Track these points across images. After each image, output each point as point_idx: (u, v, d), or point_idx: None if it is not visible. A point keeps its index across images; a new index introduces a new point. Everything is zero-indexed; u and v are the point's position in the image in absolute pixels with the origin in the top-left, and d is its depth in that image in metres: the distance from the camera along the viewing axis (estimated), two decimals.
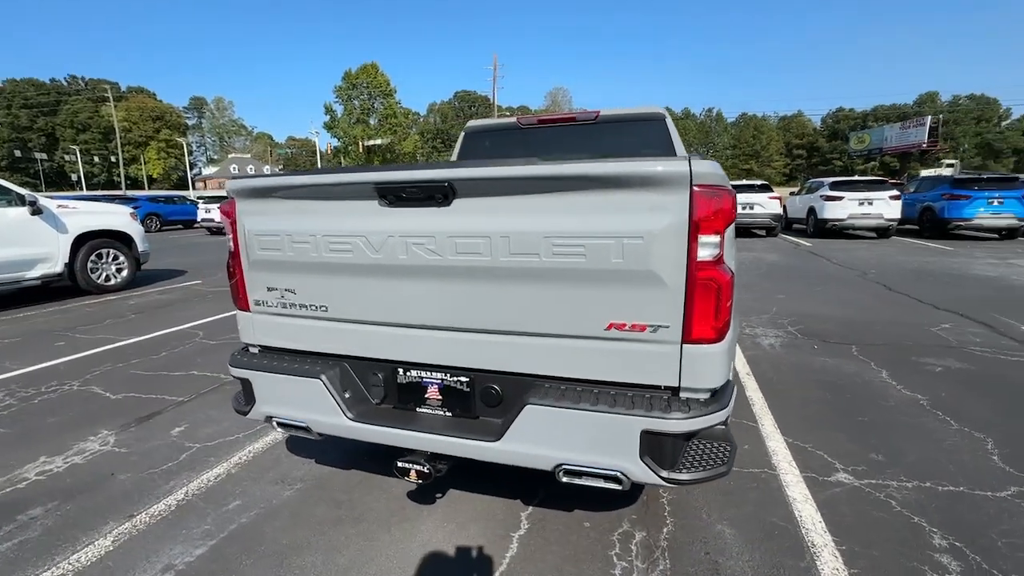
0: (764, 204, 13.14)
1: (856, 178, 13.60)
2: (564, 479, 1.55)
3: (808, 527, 2.01)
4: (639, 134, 3.33)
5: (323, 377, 1.79)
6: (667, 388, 1.49)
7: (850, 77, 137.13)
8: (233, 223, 1.91)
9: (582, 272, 1.45)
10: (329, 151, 48.99)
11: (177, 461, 2.58)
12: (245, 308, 1.98)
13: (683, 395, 1.48)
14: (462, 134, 3.76)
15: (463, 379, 1.71)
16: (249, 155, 77.97)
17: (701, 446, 1.51)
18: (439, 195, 1.54)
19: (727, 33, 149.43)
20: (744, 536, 1.97)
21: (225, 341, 4.62)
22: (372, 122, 55.22)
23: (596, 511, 2.12)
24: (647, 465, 1.44)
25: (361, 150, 47.89)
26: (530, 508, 2.14)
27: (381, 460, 2.38)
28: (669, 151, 3.20)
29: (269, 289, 1.91)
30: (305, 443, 2.73)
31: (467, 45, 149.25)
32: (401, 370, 1.80)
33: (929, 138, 36.51)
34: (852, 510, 2.12)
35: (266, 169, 74.19)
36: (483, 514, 2.11)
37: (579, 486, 1.54)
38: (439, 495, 2.25)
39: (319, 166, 44.64)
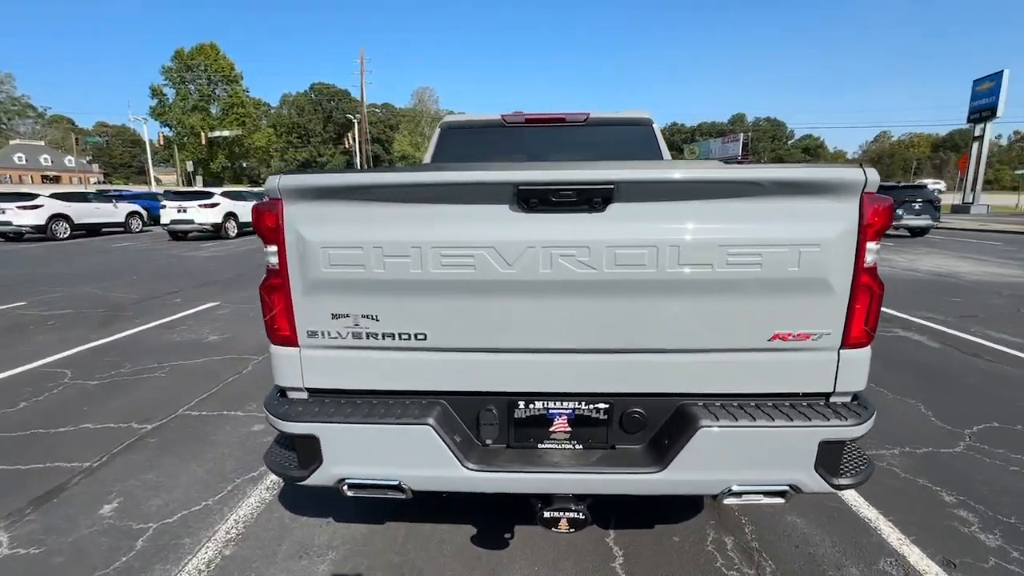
0: None
1: None
2: (727, 500, 1.46)
3: (854, 503, 2.21)
4: (627, 137, 3.37)
5: (431, 421, 1.45)
6: (822, 395, 1.49)
7: (679, 95, 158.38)
8: (280, 232, 1.45)
9: (754, 282, 1.38)
10: (160, 141, 41.82)
11: (133, 552, 1.90)
12: (291, 343, 1.52)
13: (833, 400, 1.50)
14: (437, 130, 3.43)
15: (601, 406, 1.52)
16: (42, 142, 62.94)
17: (850, 450, 1.55)
18: (597, 199, 1.34)
19: (579, 45, 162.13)
20: (813, 522, 2.09)
21: (115, 380, 3.60)
22: (214, 111, 48.54)
23: (674, 523, 2.07)
24: (820, 475, 1.43)
25: (203, 142, 41.74)
26: (612, 533, 2.01)
27: (416, 504, 2.04)
28: (656, 155, 3.29)
29: (335, 316, 1.49)
30: (309, 499, 2.21)
31: (324, 37, 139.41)
32: (522, 403, 1.53)
33: (743, 152, 43.93)
34: (875, 482, 2.39)
35: (69, 161, 60.70)
36: (568, 549, 1.92)
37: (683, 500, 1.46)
38: (507, 534, 2.00)
39: (149, 158, 37.85)
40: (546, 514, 1.48)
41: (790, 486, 1.44)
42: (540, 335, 1.45)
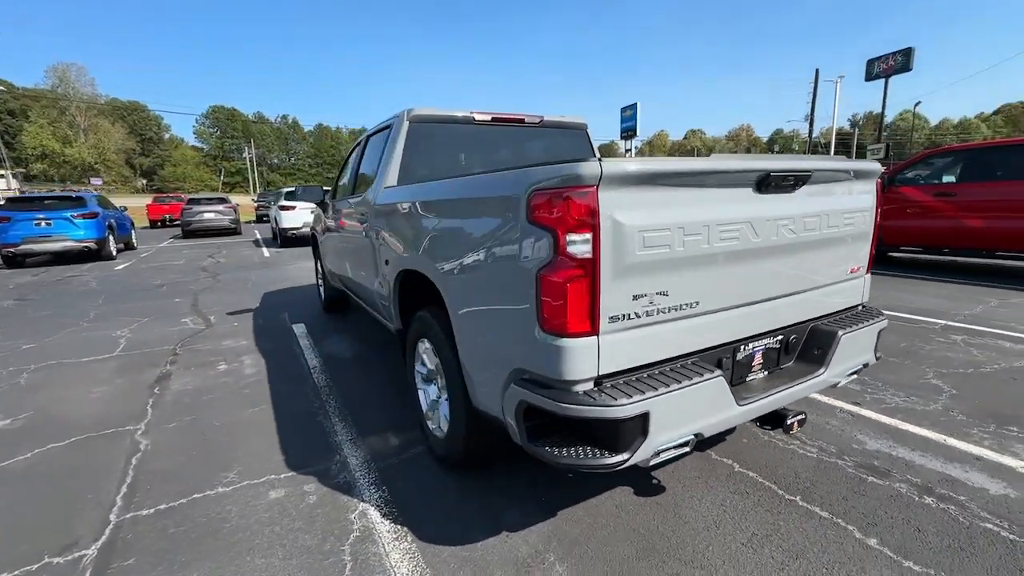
0: None
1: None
2: (842, 382, 2.15)
3: None
4: (570, 139, 3.81)
5: (720, 373, 1.65)
6: (858, 305, 2.34)
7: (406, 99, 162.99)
8: (596, 219, 1.41)
9: (850, 236, 2.10)
10: None
11: None
12: (590, 332, 1.48)
13: (860, 308, 2.37)
14: (406, 123, 3.15)
15: (778, 338, 2.00)
16: None
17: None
18: (800, 183, 1.81)
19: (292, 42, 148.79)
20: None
21: None
22: None
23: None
24: (876, 355, 2.27)
25: None
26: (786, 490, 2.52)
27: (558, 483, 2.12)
28: (591, 154, 3.85)
29: (635, 298, 1.53)
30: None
31: None
32: (743, 346, 1.88)
33: None
34: None
35: None
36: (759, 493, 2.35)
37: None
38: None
39: None
40: (788, 421, 1.91)
41: (864, 364, 2.25)
42: (760, 289, 1.86)
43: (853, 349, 2.12)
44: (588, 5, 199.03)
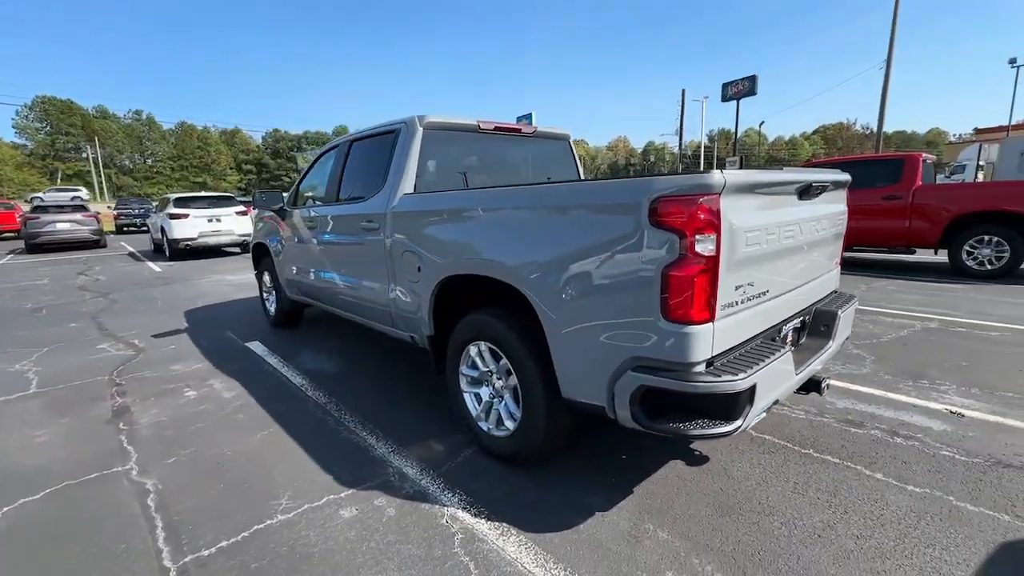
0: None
1: (202, 194, 12.42)
2: (842, 347, 2.64)
3: None
4: (555, 149, 4.02)
5: (788, 347, 1.97)
6: (834, 291, 2.87)
7: (282, 103, 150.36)
8: (719, 222, 1.65)
9: (836, 233, 2.60)
10: None
11: None
12: (709, 319, 1.70)
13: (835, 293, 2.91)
14: (420, 130, 3.11)
15: (801, 319, 2.40)
16: None
17: None
18: (823, 191, 2.23)
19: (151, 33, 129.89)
20: None
21: None
22: None
23: None
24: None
25: None
26: None
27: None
28: (572, 164, 4.10)
29: (736, 288, 1.79)
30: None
31: None
32: (783, 326, 2.23)
33: None
34: None
35: None
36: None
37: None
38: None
39: None
40: (823, 385, 2.30)
41: (847, 337, 2.77)
42: (796, 278, 2.25)
43: (845, 325, 2.63)
44: (475, 12, 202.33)
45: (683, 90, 42.06)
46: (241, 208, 12.49)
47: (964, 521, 1.98)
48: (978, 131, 40.81)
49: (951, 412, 2.90)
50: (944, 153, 45.61)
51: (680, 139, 47.08)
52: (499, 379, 2.48)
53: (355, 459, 2.59)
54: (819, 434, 2.71)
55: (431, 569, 1.81)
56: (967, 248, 7.00)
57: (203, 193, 12.56)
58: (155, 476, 2.48)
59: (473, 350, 2.55)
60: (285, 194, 4.65)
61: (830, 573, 1.74)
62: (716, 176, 1.64)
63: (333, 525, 2.07)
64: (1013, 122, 33.03)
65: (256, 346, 4.63)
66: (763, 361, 1.83)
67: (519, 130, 3.65)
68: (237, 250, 13.14)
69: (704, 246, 1.65)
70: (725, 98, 45.07)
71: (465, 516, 2.11)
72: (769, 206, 1.94)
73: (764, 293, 2.00)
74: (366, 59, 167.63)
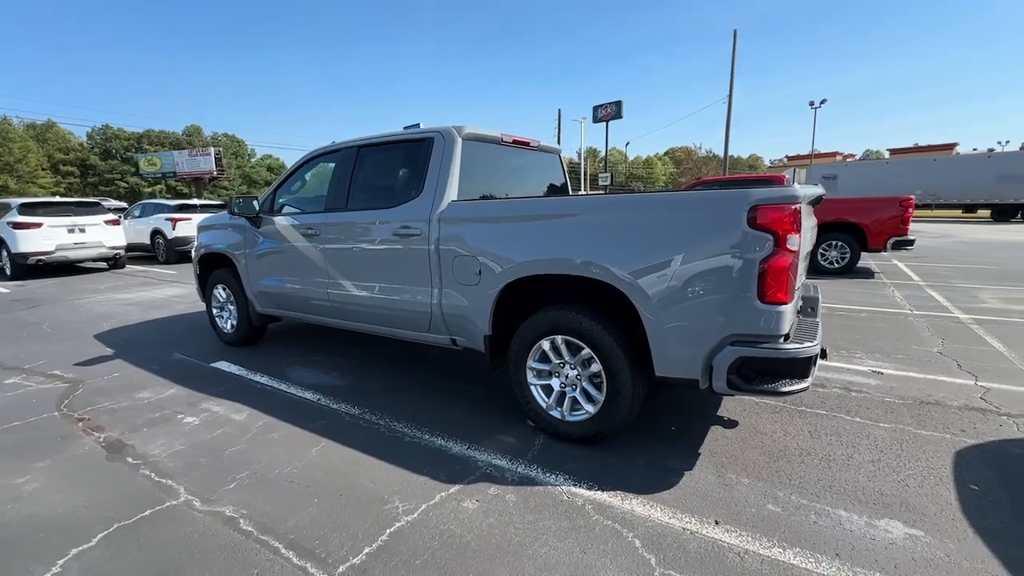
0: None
1: (59, 200, 10.34)
2: None
3: None
4: (550, 160, 4.33)
5: (818, 319, 2.54)
6: None
7: (112, 95, 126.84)
8: (799, 225, 2.13)
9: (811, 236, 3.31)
10: None
11: None
12: (790, 300, 2.18)
13: None
14: (460, 140, 3.21)
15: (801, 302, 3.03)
16: None
17: None
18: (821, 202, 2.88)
19: None
20: None
21: None
22: None
23: None
24: None
25: None
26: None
27: None
28: (562, 175, 4.47)
29: (797, 277, 2.30)
30: None
31: None
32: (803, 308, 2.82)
33: (217, 167, 42.78)
34: None
35: None
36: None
37: None
38: None
39: None
40: (826, 352, 2.92)
41: None
42: (805, 271, 2.86)
43: (820, 307, 3.37)
44: (344, 18, 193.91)
45: (559, 109, 45.24)
46: (111, 216, 10.73)
47: (925, 440, 2.74)
48: (789, 158, 50.32)
49: (874, 371, 3.83)
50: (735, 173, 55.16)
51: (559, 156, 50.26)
52: (573, 369, 2.74)
53: (438, 459, 2.64)
54: (821, 399, 3.39)
55: (587, 535, 2.02)
56: (820, 251, 8.82)
57: (60, 199, 10.52)
58: (228, 503, 2.29)
59: (546, 344, 2.78)
60: (255, 201, 4.32)
61: (868, 487, 2.31)
62: (799, 189, 2.14)
63: (467, 517, 2.16)
64: (815, 151, 41.43)
65: (227, 366, 4.22)
66: (816, 332, 2.37)
67: (527, 143, 3.94)
68: (104, 265, 11.21)
69: (793, 243, 2.14)
70: (596, 119, 49.39)
71: (580, 491, 2.34)
72: (807, 215, 2.51)
73: (801, 283, 2.57)
74: (222, 60, 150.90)
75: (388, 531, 2.07)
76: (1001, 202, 24.25)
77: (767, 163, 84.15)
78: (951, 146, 49.18)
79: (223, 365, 4.25)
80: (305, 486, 2.41)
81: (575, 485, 2.38)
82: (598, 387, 2.65)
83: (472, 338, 3.10)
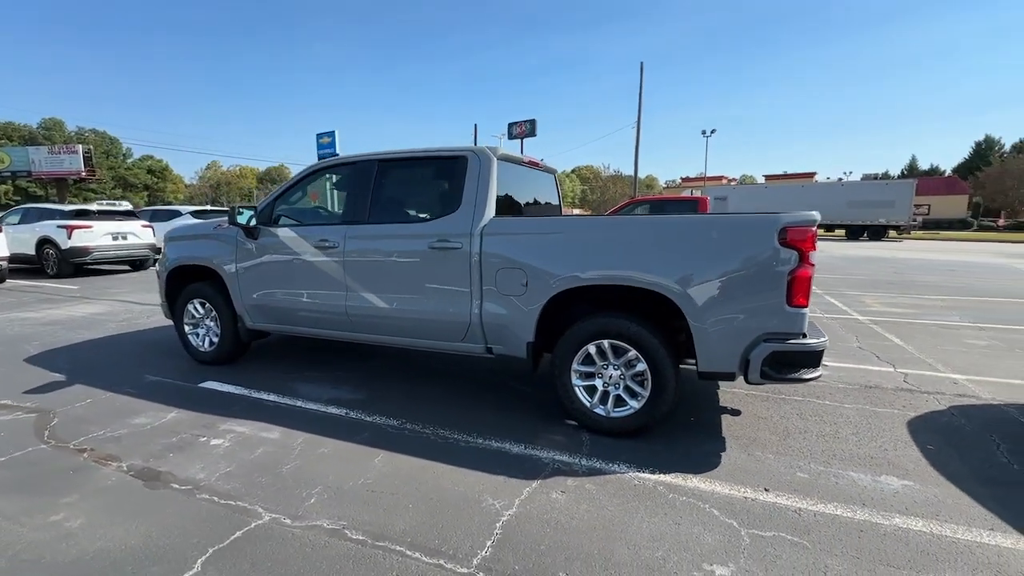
0: (138, 233, 11.49)
1: None
2: None
3: None
4: (549, 181, 4.62)
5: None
6: None
7: None
8: (815, 243, 2.65)
9: None
10: None
11: None
12: (808, 304, 2.68)
13: None
14: (495, 161, 3.39)
15: None
16: None
17: None
18: None
19: None
20: None
21: None
22: None
23: None
24: None
25: None
26: None
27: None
28: (555, 191, 4.79)
29: None
30: None
31: None
32: None
33: (86, 167, 37.88)
34: None
35: None
36: None
37: None
38: None
39: None
40: None
41: None
42: None
43: None
44: (245, 23, 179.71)
45: (475, 125, 46.07)
46: None
47: (882, 415, 3.43)
48: (684, 179, 55.60)
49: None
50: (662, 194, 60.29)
51: None
52: (616, 369, 3.06)
53: (504, 460, 2.81)
54: (774, 386, 4.02)
55: (672, 510, 2.33)
56: None
57: None
58: (321, 516, 2.28)
59: (592, 348, 3.07)
60: (247, 211, 4.14)
61: (860, 453, 2.89)
62: (815, 215, 2.67)
63: (561, 506, 2.37)
64: (703, 174, 46.29)
65: (219, 386, 3.96)
66: (820, 331, 2.93)
67: (537, 164, 4.24)
68: None
69: (813, 258, 2.66)
70: (511, 136, 50.75)
71: (646, 475, 2.65)
72: None
73: None
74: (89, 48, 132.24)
75: (498, 525, 2.21)
76: (852, 223, 28.95)
77: (662, 183, 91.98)
78: (812, 174, 57.67)
79: (214, 385, 3.98)
80: (390, 494, 2.46)
81: (638, 471, 2.68)
82: (640, 384, 2.99)
83: (512, 346, 3.30)
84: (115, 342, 5.34)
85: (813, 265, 2.67)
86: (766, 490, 2.50)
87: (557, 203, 4.82)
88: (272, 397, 3.73)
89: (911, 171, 65.28)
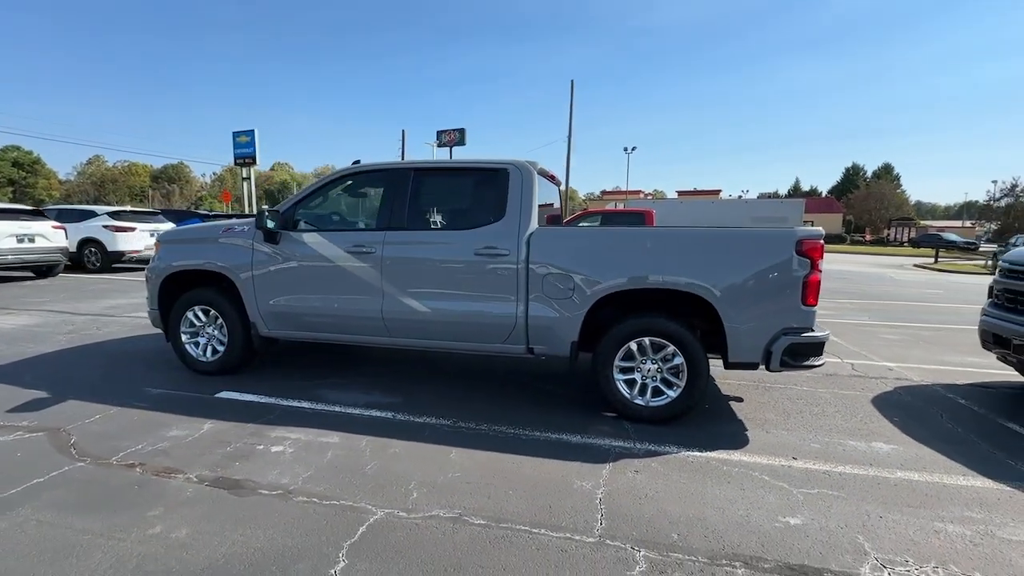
0: (47, 235, 10.17)
1: None
2: None
3: None
4: (553, 191, 4.92)
5: None
6: None
7: None
8: (824, 255, 3.21)
9: None
10: None
11: None
12: (817, 304, 3.23)
13: None
14: (536, 175, 3.64)
15: None
16: None
17: None
18: None
19: None
20: None
21: None
22: None
23: None
24: None
25: None
26: None
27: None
28: (559, 200, 5.12)
29: None
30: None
31: None
32: None
33: None
34: None
35: None
36: None
37: None
38: None
39: None
40: None
41: None
42: None
43: None
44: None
45: (403, 131, 45.47)
46: None
47: (850, 397, 4.13)
48: (604, 192, 58.69)
49: None
50: (586, 206, 63.21)
51: None
52: (654, 363, 3.44)
53: (570, 449, 3.07)
54: (761, 375, 4.64)
55: (733, 479, 2.73)
56: None
57: None
58: (434, 507, 2.41)
59: (633, 345, 3.43)
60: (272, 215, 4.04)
61: (847, 427, 3.50)
62: (822, 230, 3.25)
63: (642, 482, 2.68)
64: (617, 188, 49.27)
65: (240, 395, 3.83)
66: (820, 326, 3.52)
67: (555, 177, 4.56)
68: None
69: (821, 265, 3.22)
70: (440, 144, 50.88)
71: (695, 453, 3.04)
72: None
73: None
74: None
75: (597, 502, 2.48)
76: None
77: (582, 196, 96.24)
78: (718, 191, 63.46)
79: (232, 395, 3.84)
80: (484, 484, 2.63)
81: (688, 451, 3.07)
82: (676, 376, 3.40)
83: (555, 346, 3.57)
84: (80, 355, 4.84)
85: (821, 271, 3.23)
86: (794, 459, 2.99)
87: (559, 213, 5.17)
88: (306, 404, 3.68)
89: (795, 191, 74.20)
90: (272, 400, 3.74)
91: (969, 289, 12.99)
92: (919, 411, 3.83)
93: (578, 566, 2.00)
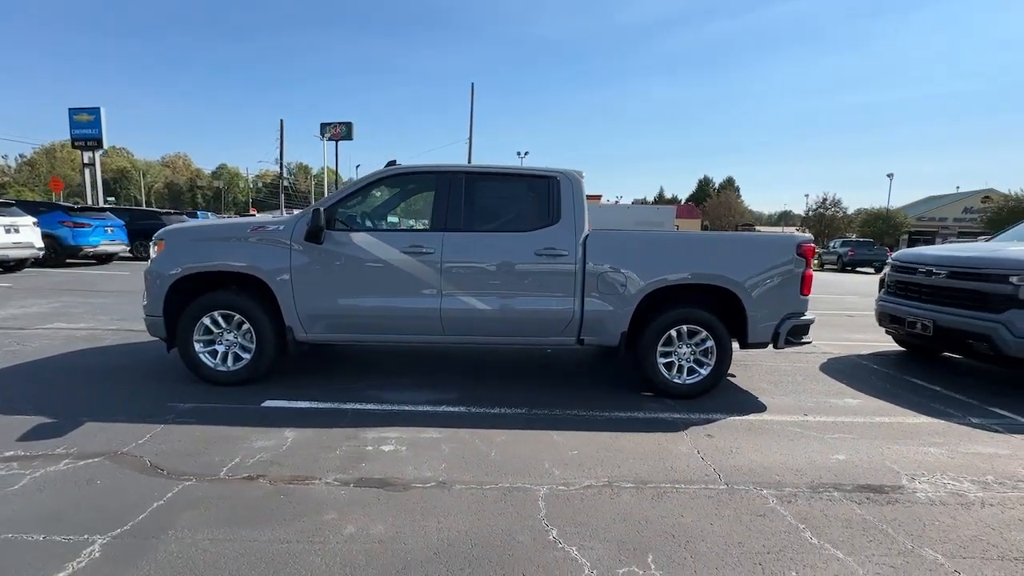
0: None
1: None
2: None
3: None
4: None
5: None
6: None
7: None
8: (814, 254, 4.10)
9: None
10: None
11: None
12: (810, 294, 4.11)
13: None
14: (583, 182, 3.99)
15: None
16: None
17: None
18: None
19: None
20: None
21: None
22: None
23: None
24: None
25: None
26: None
27: None
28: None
29: None
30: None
31: None
32: None
33: None
34: None
35: None
36: None
37: None
38: None
39: None
40: None
41: None
42: None
43: None
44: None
45: (281, 120, 42.21)
46: None
47: (804, 369, 5.21)
48: None
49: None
50: None
51: (281, 168, 46.88)
52: (688, 347, 4.07)
53: (643, 423, 3.54)
54: (755, 357, 5.56)
55: (781, 434, 3.43)
56: None
57: None
58: (585, 479, 2.71)
59: (674, 332, 4.02)
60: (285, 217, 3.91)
61: (819, 388, 4.48)
62: (810, 235, 4.15)
63: (723, 443, 3.23)
64: None
65: (289, 403, 3.66)
66: None
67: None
68: None
69: (812, 262, 4.11)
70: (326, 137, 48.09)
71: (736, 418, 3.70)
72: None
73: None
74: None
75: (701, 462, 2.98)
76: None
77: None
78: (598, 196, 68.44)
79: (280, 403, 3.65)
80: (601, 457, 2.98)
81: (731, 416, 3.73)
82: (706, 356, 4.06)
83: (606, 337, 4.02)
84: (55, 367, 4.08)
85: (812, 268, 4.13)
86: (806, 415, 3.82)
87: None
88: (371, 406, 3.65)
89: (660, 199, 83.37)
90: (330, 405, 3.64)
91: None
92: (854, 374, 5.00)
93: (729, 506, 2.48)
